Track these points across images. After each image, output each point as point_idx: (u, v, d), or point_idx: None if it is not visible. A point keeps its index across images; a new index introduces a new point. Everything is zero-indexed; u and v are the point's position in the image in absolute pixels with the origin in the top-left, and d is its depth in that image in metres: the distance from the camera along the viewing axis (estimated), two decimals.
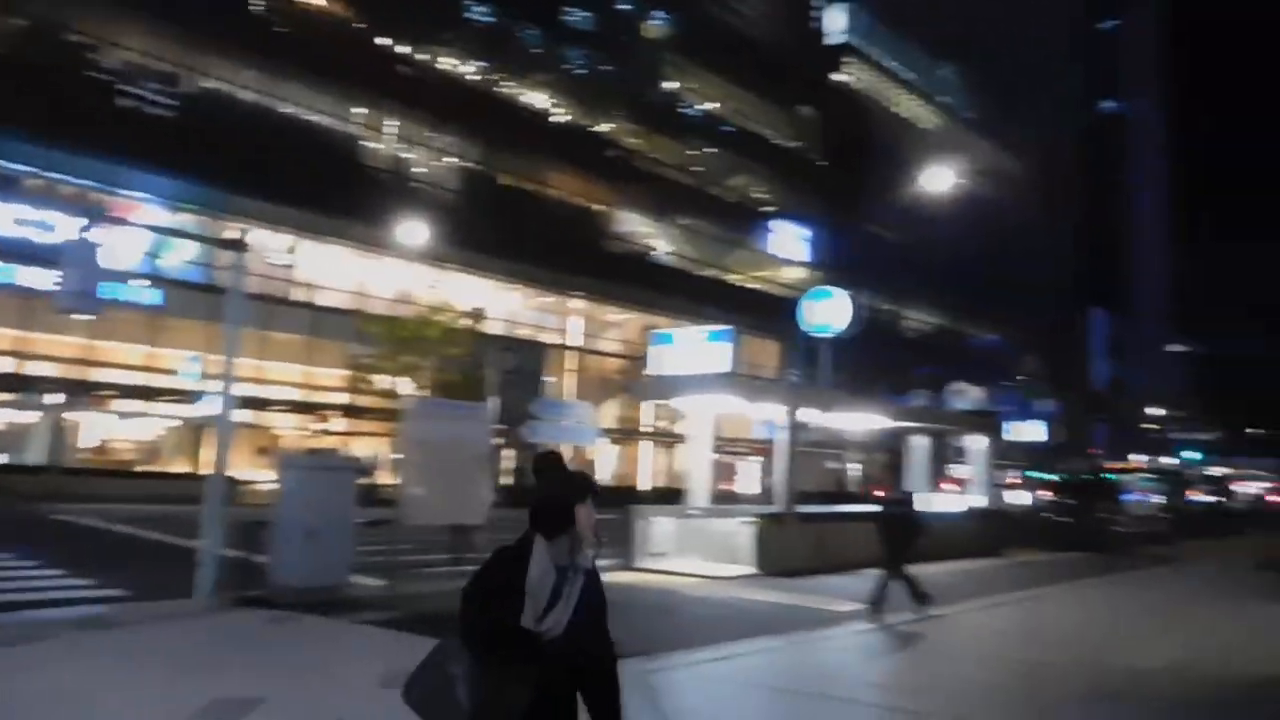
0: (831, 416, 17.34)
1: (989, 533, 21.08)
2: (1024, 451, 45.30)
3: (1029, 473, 35.26)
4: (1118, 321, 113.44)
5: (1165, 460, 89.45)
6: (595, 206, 47.37)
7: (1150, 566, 18.56)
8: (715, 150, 55.66)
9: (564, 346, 45.67)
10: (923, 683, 7.76)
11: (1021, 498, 29.62)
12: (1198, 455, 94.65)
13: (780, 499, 15.95)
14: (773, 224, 58.53)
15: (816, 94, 64.90)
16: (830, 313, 18.38)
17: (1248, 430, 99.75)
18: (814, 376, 24.67)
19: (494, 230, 38.18)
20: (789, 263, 59.01)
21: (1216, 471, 69.15)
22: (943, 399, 39.41)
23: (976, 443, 21.49)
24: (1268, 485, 67.59)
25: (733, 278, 55.82)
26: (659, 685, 7.04)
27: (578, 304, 46.08)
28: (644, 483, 46.11)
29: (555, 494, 3.18)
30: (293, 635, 9.12)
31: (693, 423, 17.19)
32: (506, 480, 26.81)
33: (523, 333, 42.82)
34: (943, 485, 52.48)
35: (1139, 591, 14.87)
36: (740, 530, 16.93)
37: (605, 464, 45.96)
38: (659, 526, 16.30)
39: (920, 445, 21.90)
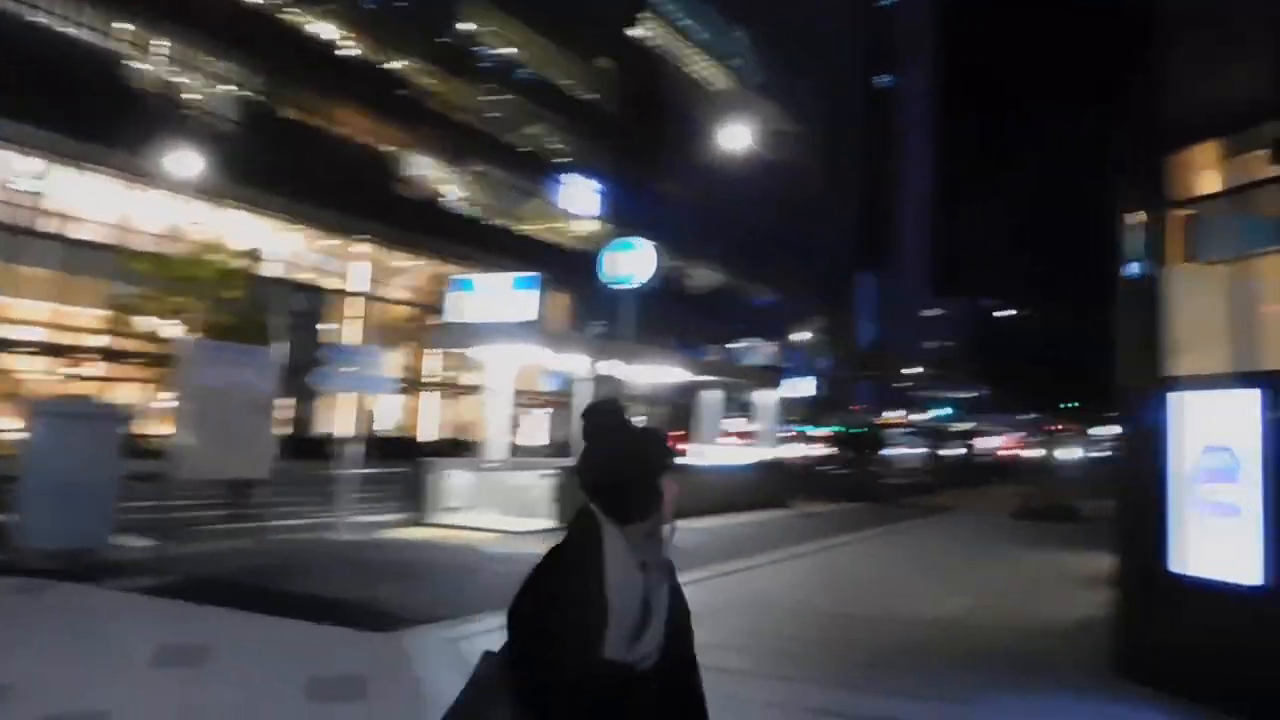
0: (634, 369, 17.25)
1: (776, 485, 21.79)
2: (795, 406, 47.44)
3: (801, 426, 36.85)
4: (885, 284, 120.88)
5: (920, 417, 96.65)
6: (385, 148, 45.24)
7: (924, 516, 19.73)
8: (511, 97, 54.42)
9: (348, 292, 43.59)
10: (740, 641, 7.72)
11: (795, 450, 30.96)
12: (948, 411, 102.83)
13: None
14: (565, 177, 57.98)
15: (614, 47, 64.57)
16: (633, 264, 18.24)
17: (993, 389, 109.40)
18: (611, 330, 24.64)
19: (275, 167, 35.63)
20: (579, 217, 58.74)
21: (964, 427, 75.00)
22: (734, 354, 40.41)
23: (765, 397, 22.10)
24: (1004, 439, 73.77)
25: (526, 228, 55.04)
26: (472, 654, 6.59)
27: (364, 248, 44.03)
28: (426, 434, 44.93)
29: (634, 462, 2.32)
30: (43, 607, 8.03)
31: (492, 373, 16.66)
32: (286, 430, 25.31)
33: (304, 276, 40.55)
34: (722, 439, 54.32)
35: (923, 541, 15.61)
36: (539, 484, 16.62)
37: (385, 414, 44.50)
38: (454, 480, 15.73)
39: (712, 399, 22.32)
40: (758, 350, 21.50)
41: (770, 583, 10.76)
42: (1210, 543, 5.78)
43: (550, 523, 15.27)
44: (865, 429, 35.31)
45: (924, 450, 32.43)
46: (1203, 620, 5.78)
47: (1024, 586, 10.75)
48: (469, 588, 9.73)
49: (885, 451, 31.86)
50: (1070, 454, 39.77)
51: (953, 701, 6.16)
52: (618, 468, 2.31)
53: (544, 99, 57.29)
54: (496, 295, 15.38)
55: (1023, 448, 59.06)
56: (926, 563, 12.94)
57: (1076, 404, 74.68)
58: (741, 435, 54.30)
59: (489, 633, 7.32)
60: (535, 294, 15.09)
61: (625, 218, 59.32)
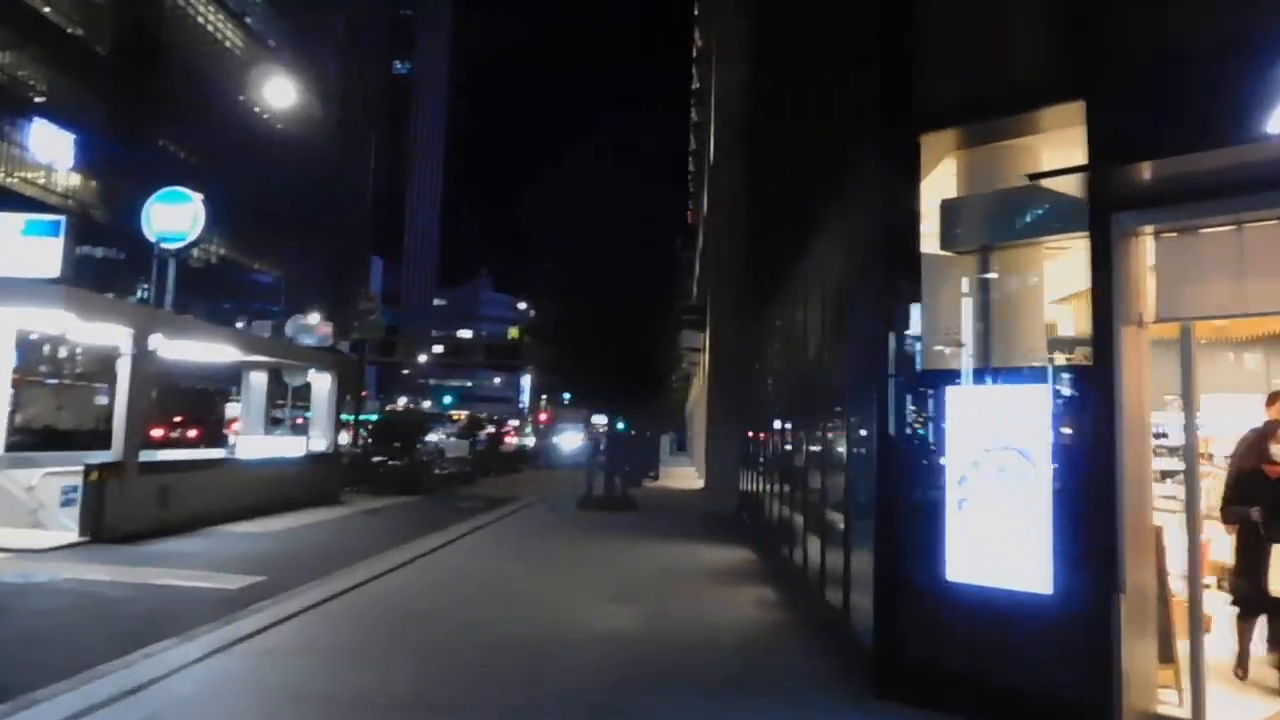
0: (182, 344, 14.31)
1: (326, 478, 19.75)
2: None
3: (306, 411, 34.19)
4: (394, 271, 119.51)
5: (428, 404, 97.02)
6: None
7: (496, 509, 18.96)
8: None
9: None
10: (416, 687, 6.25)
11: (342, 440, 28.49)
12: (449, 399, 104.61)
13: (119, 444, 12.65)
14: (37, 120, 48.75)
15: None
16: (183, 218, 15.23)
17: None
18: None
19: None
20: (51, 168, 49.88)
21: (478, 415, 76.37)
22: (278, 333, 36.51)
23: (320, 382, 19.92)
24: (495, 428, 76.40)
25: None
26: None
27: None
28: None
29: None
30: None
31: None
32: None
33: None
34: (234, 427, 49.37)
35: (525, 539, 14.57)
36: (50, 485, 13.19)
37: None
38: None
39: (258, 383, 19.63)
40: (312, 330, 19.25)
41: (404, 598, 9.20)
42: (991, 549, 5.59)
43: (74, 535, 12.12)
44: (411, 418, 33.93)
45: (467, 440, 31.94)
46: (983, 631, 5.59)
47: (675, 588, 10.31)
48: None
49: (434, 440, 30.80)
50: (572, 442, 42.00)
51: None
52: None
53: (16, 22, 47.73)
54: (2, 241, 11.75)
55: (515, 436, 61.56)
56: (552, 564, 12.07)
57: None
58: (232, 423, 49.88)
59: None
60: (58, 243, 11.78)
61: (113, 173, 51.75)
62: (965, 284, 6.33)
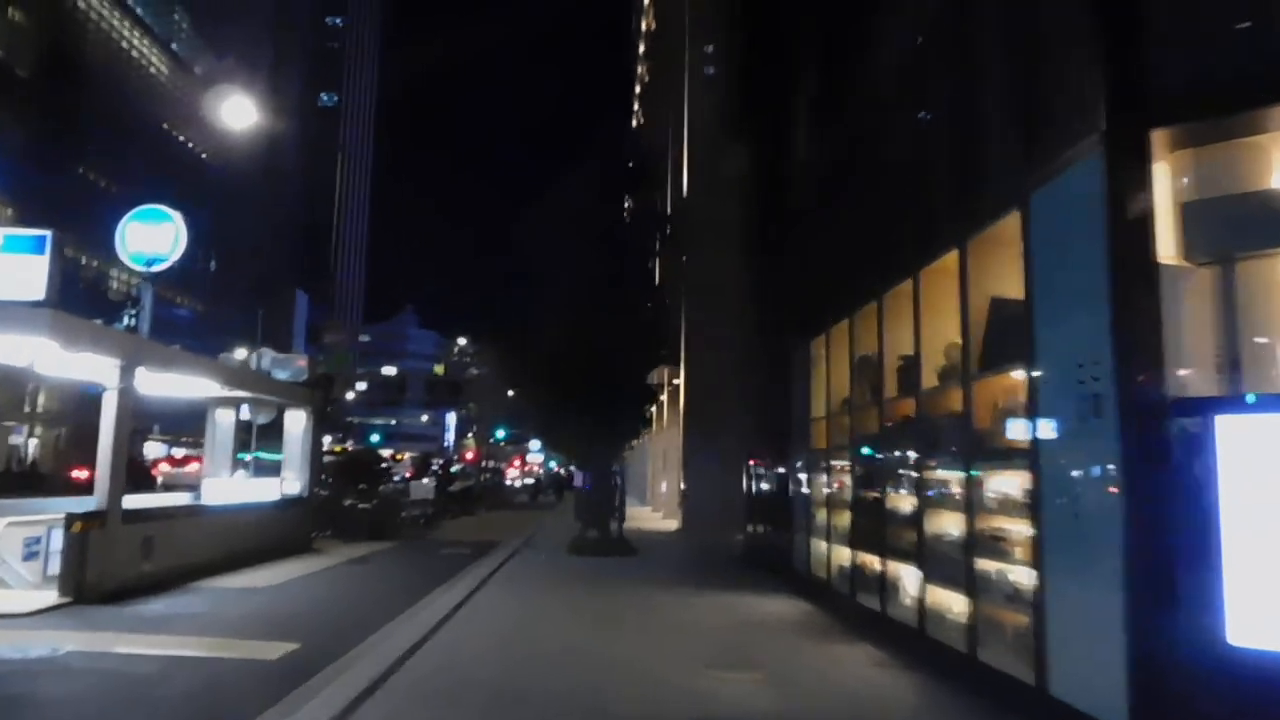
0: (166, 378, 12.82)
1: (296, 524, 18.21)
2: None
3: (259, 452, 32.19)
4: (318, 309, 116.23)
5: (354, 444, 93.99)
6: None
7: (486, 555, 17.61)
8: None
9: None
10: None
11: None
12: (377, 437, 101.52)
13: (103, 490, 11.14)
14: None
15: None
16: (161, 240, 13.75)
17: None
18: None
19: None
20: None
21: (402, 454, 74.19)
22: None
23: (295, 419, 18.40)
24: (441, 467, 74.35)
25: None
26: None
27: None
28: None
29: None
30: None
31: None
32: None
33: None
34: (160, 468, 46.59)
35: (555, 590, 13.31)
36: (12, 536, 11.60)
37: None
38: None
39: (225, 420, 18.01)
40: (289, 363, 17.76)
41: (471, 667, 7.94)
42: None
43: (54, 596, 10.58)
44: (369, 458, 32.19)
45: (431, 481, 30.31)
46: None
47: (761, 647, 9.24)
48: None
49: (398, 481, 29.13)
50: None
51: None
52: None
53: None
54: None
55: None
56: (604, 620, 10.80)
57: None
58: (181, 461, 47.07)
59: None
60: (42, 261, 10.31)
61: (28, 198, 49.17)
62: (1209, 298, 5.52)
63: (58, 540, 12.11)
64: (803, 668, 8.27)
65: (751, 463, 18.50)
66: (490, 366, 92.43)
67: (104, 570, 10.92)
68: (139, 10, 66.96)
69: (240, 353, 73.40)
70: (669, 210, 20.35)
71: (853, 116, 11.80)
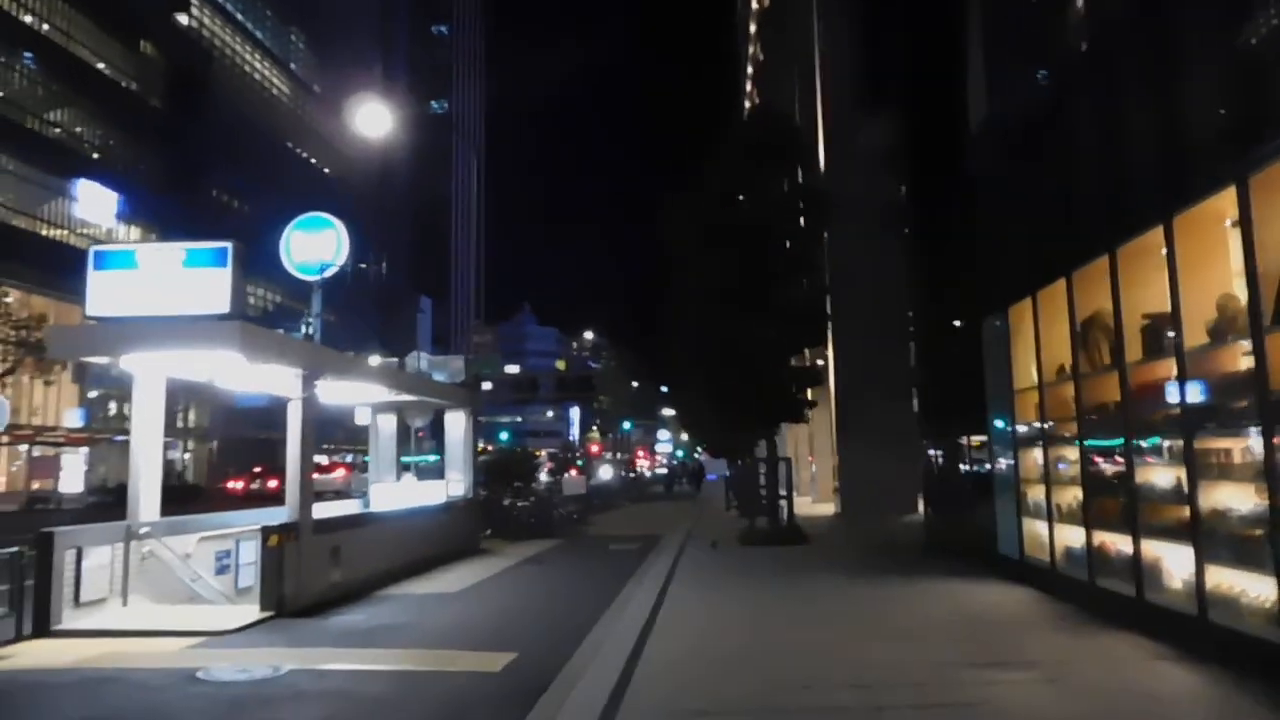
0: (342, 385, 12.74)
1: (470, 525, 18.19)
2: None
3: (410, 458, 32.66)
4: (440, 309, 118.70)
5: (483, 442, 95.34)
6: None
7: (649, 553, 17.16)
8: (36, 72, 44.10)
9: None
10: None
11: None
12: (506, 435, 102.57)
13: (294, 502, 11.04)
14: (83, 181, 47.90)
15: (160, 32, 55.68)
16: (325, 246, 13.71)
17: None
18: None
19: None
20: (89, 224, 49.08)
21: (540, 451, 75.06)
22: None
23: (455, 422, 18.31)
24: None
25: (53, 233, 44.93)
26: None
27: None
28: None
29: None
30: None
31: (143, 394, 11.30)
32: None
33: None
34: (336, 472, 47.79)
35: (749, 587, 12.67)
36: (204, 551, 11.66)
37: None
38: (93, 559, 10.28)
39: (388, 424, 18.02)
40: (445, 365, 17.82)
41: (717, 678, 7.39)
42: None
43: (255, 611, 10.50)
44: (520, 458, 32.29)
45: (584, 477, 30.17)
46: None
47: (1015, 643, 8.49)
48: None
49: (551, 479, 29.13)
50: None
51: None
52: None
53: (74, 80, 47.31)
54: (164, 276, 10.20)
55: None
56: (824, 617, 10.12)
57: None
58: (327, 469, 48.35)
59: None
60: (224, 273, 10.21)
61: (165, 224, 51.13)
62: None
63: (245, 553, 12.19)
64: (1073, 662, 7.44)
65: (927, 444, 17.52)
66: (618, 361, 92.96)
67: (299, 582, 10.81)
68: (259, 34, 69.16)
69: (374, 359, 75.64)
70: (805, 188, 19.38)
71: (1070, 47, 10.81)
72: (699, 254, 18.00)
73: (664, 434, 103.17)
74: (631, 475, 55.64)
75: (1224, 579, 7.34)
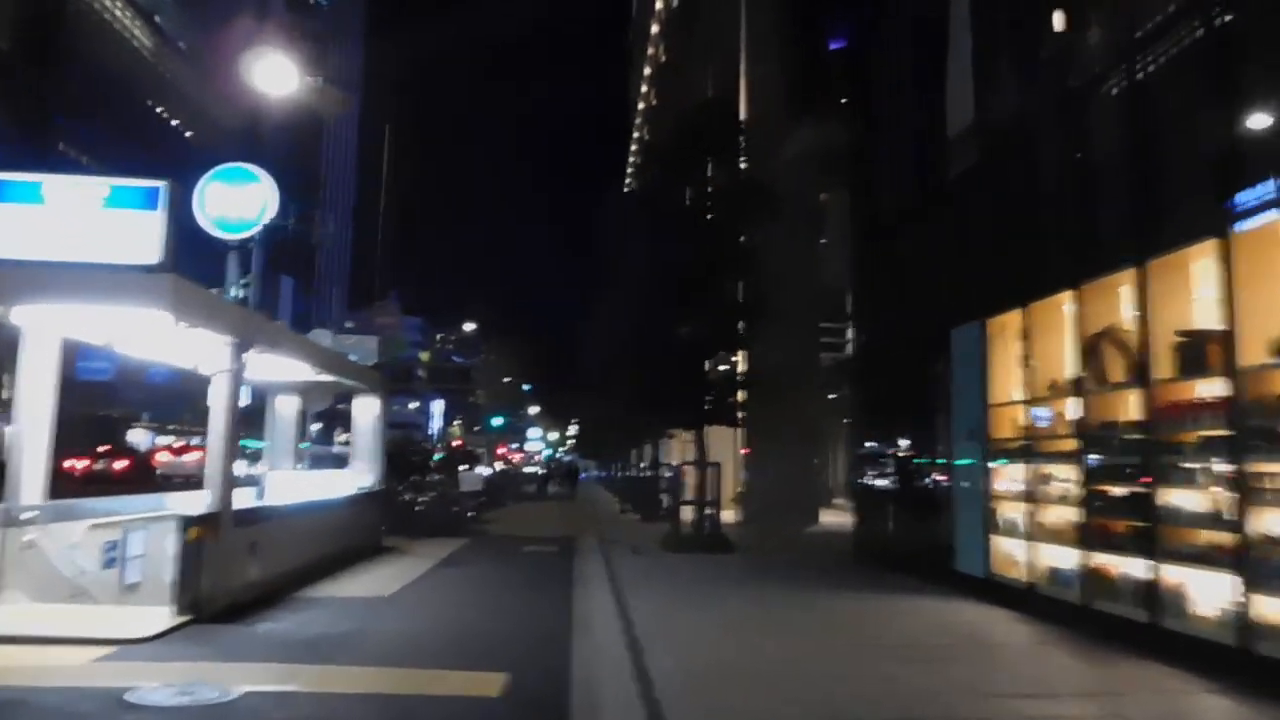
0: (269, 360, 11.30)
1: (375, 520, 16.81)
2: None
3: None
4: (302, 292, 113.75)
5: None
6: None
7: (574, 556, 16.24)
8: None
9: None
10: None
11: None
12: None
13: (216, 489, 9.62)
14: None
15: None
16: (248, 203, 12.19)
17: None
18: None
19: None
20: None
21: None
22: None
23: (367, 406, 16.87)
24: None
25: None
26: None
27: None
28: None
29: None
30: None
31: (32, 355, 9.64)
32: None
33: None
34: (159, 458, 44.48)
35: (705, 599, 11.79)
36: (92, 542, 10.07)
37: None
38: None
39: (288, 407, 16.45)
40: (361, 344, 16.23)
41: (752, 704, 6.56)
42: None
43: (170, 613, 9.06)
44: (414, 448, 30.51)
45: (481, 472, 28.71)
46: None
47: (1003, 666, 7.99)
48: None
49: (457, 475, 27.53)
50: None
51: None
52: None
53: None
54: (77, 216, 8.64)
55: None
56: (803, 634, 9.41)
57: None
58: (180, 450, 45.04)
59: None
60: (154, 217, 8.75)
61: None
62: None
63: (134, 545, 10.64)
64: (1125, 694, 6.95)
65: (862, 455, 17.17)
66: (495, 355, 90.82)
67: (216, 582, 9.42)
68: None
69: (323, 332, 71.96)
70: (749, 181, 18.81)
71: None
72: (639, 242, 17.19)
73: (534, 431, 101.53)
74: (504, 470, 54.07)
75: (1272, 608, 7.00)
